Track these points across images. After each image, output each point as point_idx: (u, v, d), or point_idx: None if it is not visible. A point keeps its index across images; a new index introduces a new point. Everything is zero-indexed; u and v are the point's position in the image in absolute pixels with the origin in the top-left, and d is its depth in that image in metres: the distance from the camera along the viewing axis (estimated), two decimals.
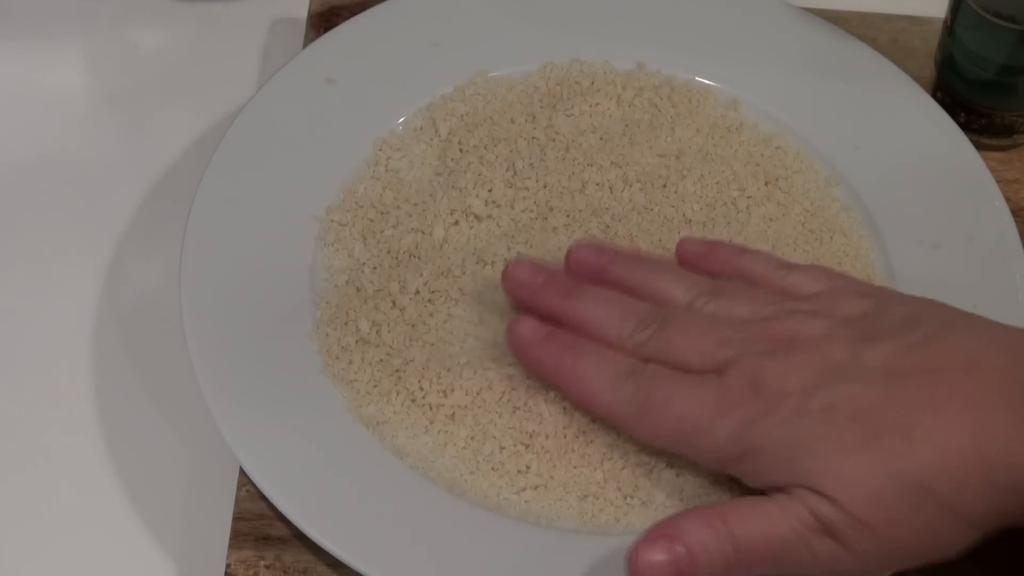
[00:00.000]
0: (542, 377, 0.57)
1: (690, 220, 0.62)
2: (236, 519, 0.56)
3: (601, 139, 0.65)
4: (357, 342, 0.58)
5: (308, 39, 0.70)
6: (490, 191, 0.63)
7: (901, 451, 0.49)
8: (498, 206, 0.63)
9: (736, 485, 0.56)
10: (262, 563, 0.55)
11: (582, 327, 0.56)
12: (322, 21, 0.71)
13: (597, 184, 0.63)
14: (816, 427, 0.50)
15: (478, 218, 0.62)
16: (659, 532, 0.50)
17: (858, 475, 0.49)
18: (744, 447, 0.51)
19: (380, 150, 0.65)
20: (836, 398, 0.50)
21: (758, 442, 0.51)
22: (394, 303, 0.59)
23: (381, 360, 0.58)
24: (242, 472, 0.56)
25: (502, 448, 0.56)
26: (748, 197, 0.64)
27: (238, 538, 0.55)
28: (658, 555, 0.50)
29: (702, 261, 0.58)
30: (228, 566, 0.54)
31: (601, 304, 0.56)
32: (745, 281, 0.56)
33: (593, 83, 0.67)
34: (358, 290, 0.60)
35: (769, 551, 0.50)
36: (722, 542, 0.50)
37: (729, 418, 0.51)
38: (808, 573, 0.51)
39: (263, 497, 0.54)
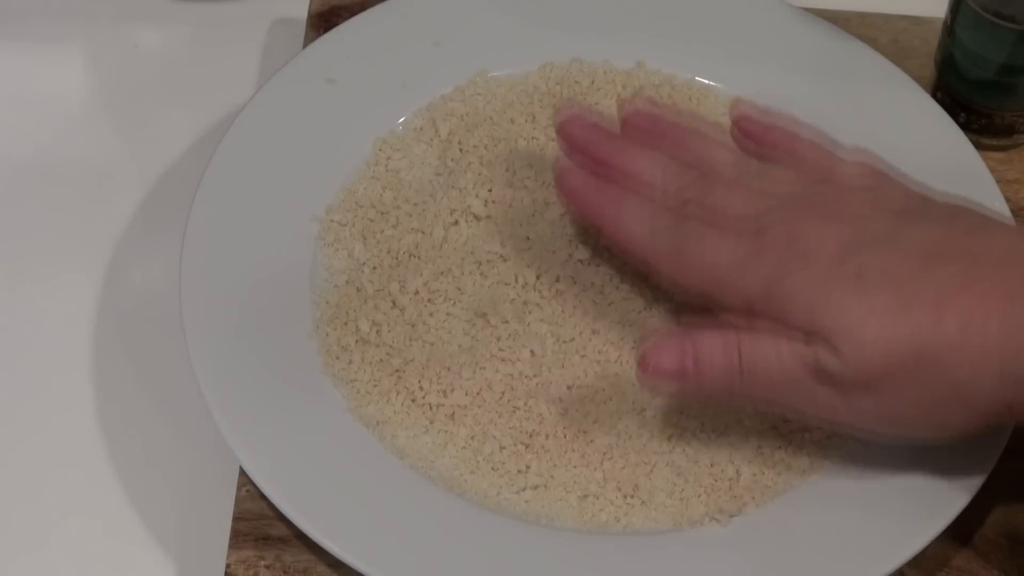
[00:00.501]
0: (586, 218, 0.59)
1: None
2: (236, 519, 0.56)
3: None
4: (357, 342, 0.58)
5: (308, 39, 0.70)
6: (490, 191, 0.63)
7: (926, 323, 0.50)
8: (498, 205, 0.62)
9: (740, 481, 0.56)
10: (262, 563, 0.55)
11: (630, 180, 0.57)
12: (322, 21, 0.71)
13: None
14: (846, 285, 0.51)
15: (478, 218, 0.62)
16: (676, 341, 0.53)
17: (878, 338, 0.50)
18: (771, 294, 0.52)
19: (380, 150, 0.65)
20: (872, 263, 0.52)
21: (786, 292, 0.52)
22: (394, 303, 0.59)
23: (381, 360, 0.58)
24: (242, 472, 0.56)
25: (502, 448, 0.56)
26: None
27: (238, 538, 0.55)
28: (668, 360, 0.52)
29: (755, 139, 0.59)
30: (228, 566, 0.54)
31: (651, 160, 0.57)
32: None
33: (593, 83, 0.67)
34: (358, 290, 0.60)
35: (771, 381, 0.52)
36: (730, 361, 0.52)
37: (761, 267, 0.53)
38: (802, 413, 0.53)
39: (263, 497, 0.54)
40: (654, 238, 0.56)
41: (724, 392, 0.53)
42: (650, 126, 0.59)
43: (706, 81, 0.68)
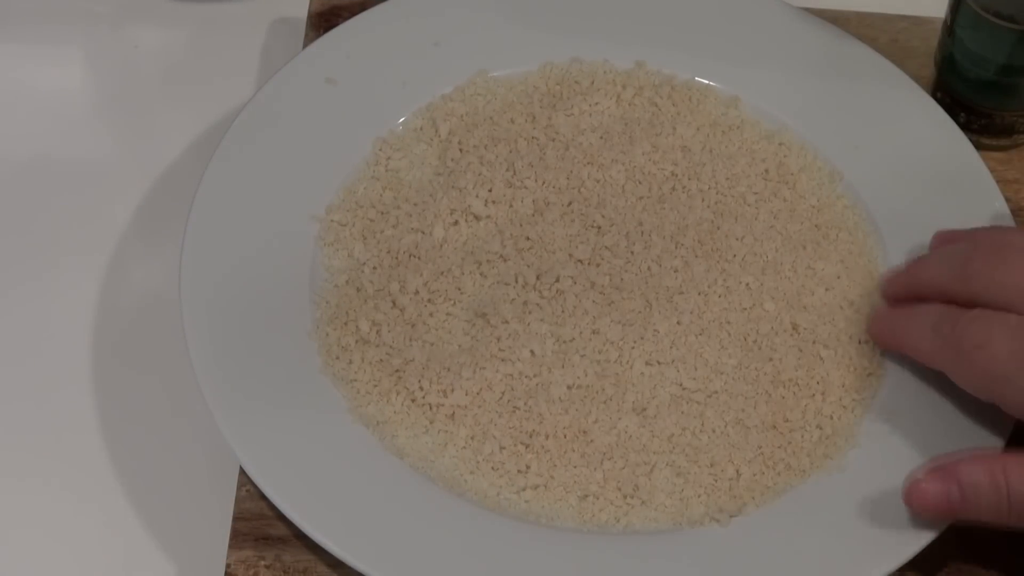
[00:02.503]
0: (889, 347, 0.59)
1: (699, 217, 0.62)
2: (236, 519, 0.56)
3: (601, 138, 0.65)
4: (357, 342, 0.58)
5: (308, 39, 0.70)
6: (490, 191, 0.63)
7: None
8: (498, 205, 0.62)
9: (740, 481, 0.56)
10: (262, 563, 0.55)
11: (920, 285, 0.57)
12: (322, 21, 0.71)
13: (597, 181, 0.63)
14: None
15: (478, 218, 0.62)
16: (939, 469, 0.52)
17: None
18: None
19: (380, 150, 0.65)
20: None
21: None
22: (394, 303, 0.59)
23: (381, 360, 0.58)
24: (242, 472, 0.56)
25: (502, 448, 0.56)
26: (755, 194, 0.64)
27: (238, 538, 0.55)
28: (933, 487, 0.52)
29: None
30: (228, 566, 0.54)
31: (939, 258, 0.57)
32: None
33: (593, 82, 0.67)
34: (358, 290, 0.60)
35: None
36: (997, 492, 0.51)
37: None
38: None
39: (263, 497, 0.54)
40: (935, 339, 0.54)
41: (995, 520, 0.51)
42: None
43: (706, 81, 0.68)
